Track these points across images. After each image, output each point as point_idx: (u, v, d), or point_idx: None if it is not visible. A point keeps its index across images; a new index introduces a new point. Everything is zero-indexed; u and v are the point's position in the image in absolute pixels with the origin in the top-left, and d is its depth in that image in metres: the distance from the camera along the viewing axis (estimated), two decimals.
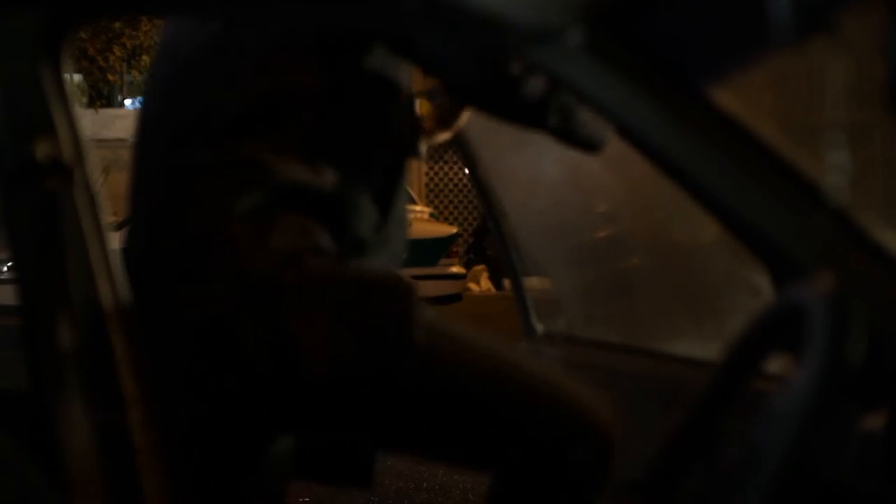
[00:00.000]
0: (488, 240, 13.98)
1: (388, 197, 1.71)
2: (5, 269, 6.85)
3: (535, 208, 2.65)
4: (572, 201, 2.60)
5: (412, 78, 1.79)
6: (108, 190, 1.76)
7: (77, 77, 15.72)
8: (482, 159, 2.61)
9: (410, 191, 14.20)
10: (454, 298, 10.54)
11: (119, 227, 2.50)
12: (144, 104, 1.75)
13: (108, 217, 1.39)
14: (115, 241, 1.41)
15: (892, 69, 1.12)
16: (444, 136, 1.97)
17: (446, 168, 17.26)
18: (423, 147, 1.90)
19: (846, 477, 1.04)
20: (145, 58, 16.06)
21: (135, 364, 1.38)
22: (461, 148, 2.61)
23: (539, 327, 2.55)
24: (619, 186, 2.48)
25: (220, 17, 1.65)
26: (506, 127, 1.77)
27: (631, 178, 2.31)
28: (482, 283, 13.50)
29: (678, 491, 1.23)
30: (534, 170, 2.63)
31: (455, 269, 10.89)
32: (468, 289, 12.63)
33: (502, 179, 2.66)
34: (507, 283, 2.81)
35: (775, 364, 1.21)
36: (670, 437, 1.25)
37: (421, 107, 1.89)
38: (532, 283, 2.63)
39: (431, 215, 13.02)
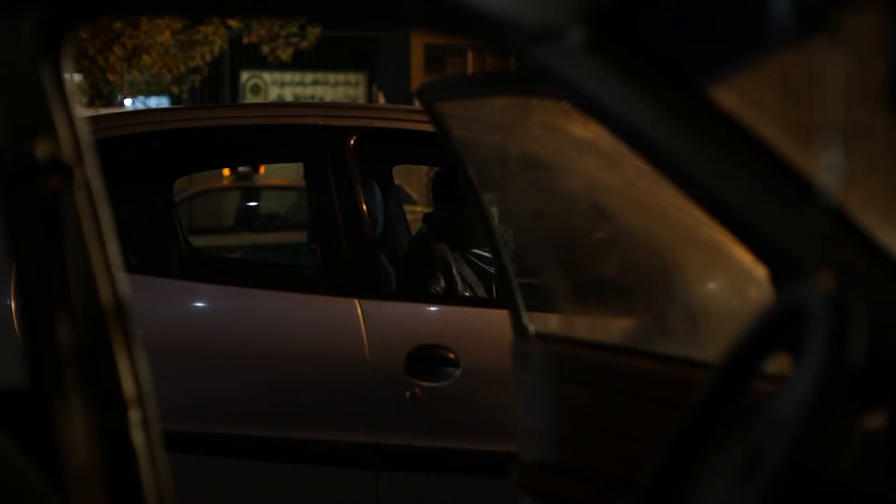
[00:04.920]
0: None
1: None
2: None
3: (527, 206, 2.65)
4: (565, 200, 2.60)
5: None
6: None
7: (77, 77, 15.71)
8: (472, 158, 2.61)
9: (410, 191, 14.21)
10: None
11: None
12: None
13: (108, 216, 1.39)
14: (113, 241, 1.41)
15: (892, 69, 1.12)
16: None
17: None
18: None
19: (846, 477, 1.04)
20: (145, 58, 16.06)
21: (135, 364, 1.38)
22: (450, 148, 2.61)
23: (531, 327, 2.55)
24: (615, 186, 2.48)
25: (219, 14, 1.65)
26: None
27: (627, 179, 2.32)
28: None
29: (677, 492, 1.23)
30: (525, 166, 2.63)
31: None
32: None
33: (494, 178, 2.66)
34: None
35: (775, 364, 1.21)
36: (669, 438, 1.25)
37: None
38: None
39: None
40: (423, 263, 3.87)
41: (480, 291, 3.91)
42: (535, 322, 2.56)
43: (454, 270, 3.84)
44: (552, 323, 2.61)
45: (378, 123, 3.78)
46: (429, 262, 3.85)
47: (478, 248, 4.02)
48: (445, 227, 4.05)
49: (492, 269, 3.99)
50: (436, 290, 3.79)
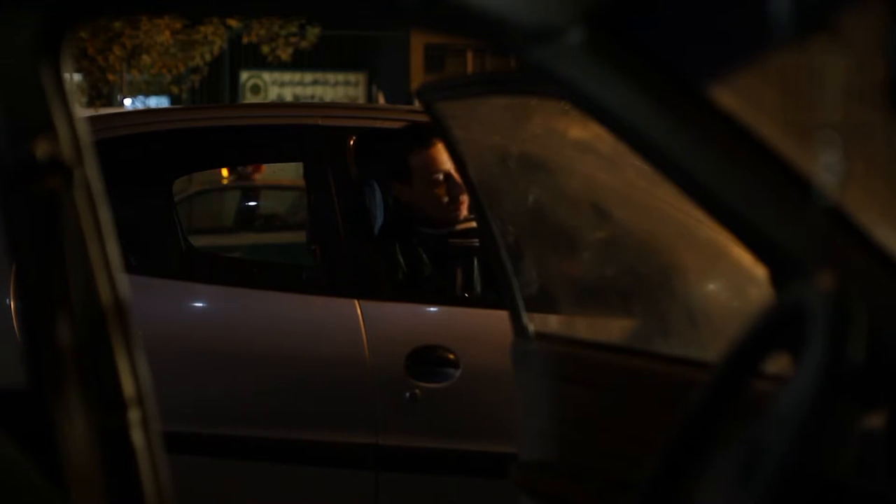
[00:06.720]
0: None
1: None
2: None
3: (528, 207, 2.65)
4: (565, 200, 2.60)
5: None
6: None
7: (77, 77, 15.71)
8: (471, 157, 2.60)
9: None
10: None
11: None
12: None
13: (108, 216, 1.39)
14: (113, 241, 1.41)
15: (892, 69, 1.12)
16: None
17: None
18: None
19: (846, 477, 1.04)
20: (145, 57, 16.07)
21: (134, 364, 1.38)
22: (450, 148, 2.61)
23: (531, 327, 2.55)
24: (615, 186, 2.48)
25: (219, 14, 1.65)
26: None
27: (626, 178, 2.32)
28: None
29: (677, 492, 1.23)
30: (525, 165, 2.63)
31: None
32: None
33: (491, 176, 2.66)
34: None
35: (775, 364, 1.21)
36: (669, 438, 1.25)
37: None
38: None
39: None
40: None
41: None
42: (534, 322, 2.56)
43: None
44: (552, 323, 2.61)
45: (378, 123, 3.78)
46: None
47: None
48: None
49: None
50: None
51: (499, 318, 2.81)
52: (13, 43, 1.36)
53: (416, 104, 2.83)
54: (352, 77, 24.36)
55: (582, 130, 2.31)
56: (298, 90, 24.04)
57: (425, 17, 1.34)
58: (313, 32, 17.58)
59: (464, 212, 3.61)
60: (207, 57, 16.84)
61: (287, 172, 11.24)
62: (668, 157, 1.25)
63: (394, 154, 3.66)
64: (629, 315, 2.56)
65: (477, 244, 3.58)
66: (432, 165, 3.57)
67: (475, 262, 3.66)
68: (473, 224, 3.55)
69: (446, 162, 3.48)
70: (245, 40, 17.52)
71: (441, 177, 3.56)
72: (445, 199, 3.58)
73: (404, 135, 3.65)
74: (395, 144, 3.66)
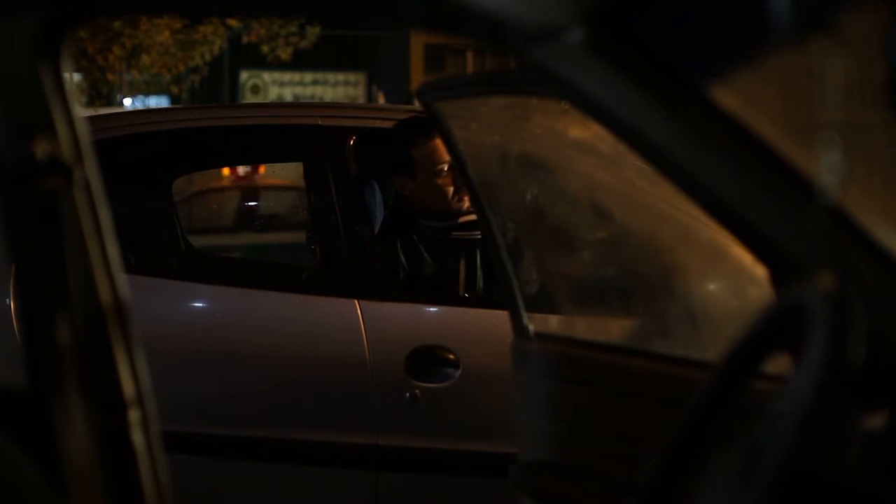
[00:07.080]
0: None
1: None
2: None
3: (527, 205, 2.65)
4: (565, 200, 2.60)
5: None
6: None
7: (77, 77, 15.72)
8: (471, 157, 2.60)
9: None
10: None
11: None
12: None
13: (108, 216, 1.39)
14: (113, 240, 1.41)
15: (892, 69, 1.12)
16: None
17: None
18: None
19: (846, 477, 1.04)
20: (145, 57, 16.06)
21: (134, 364, 1.38)
22: (450, 148, 2.61)
23: (531, 327, 2.55)
24: (615, 186, 2.48)
25: (219, 14, 1.64)
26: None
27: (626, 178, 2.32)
28: None
29: (677, 492, 1.23)
30: (525, 164, 2.63)
31: None
32: None
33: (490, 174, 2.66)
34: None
35: (775, 364, 1.21)
36: (670, 438, 1.25)
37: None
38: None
39: None
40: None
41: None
42: (534, 322, 2.56)
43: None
44: (552, 323, 2.61)
45: (378, 123, 3.77)
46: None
47: None
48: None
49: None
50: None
51: (499, 318, 2.81)
52: (13, 43, 1.36)
53: (416, 104, 2.83)
54: (352, 77, 24.35)
55: (582, 130, 2.31)
56: (298, 90, 24.03)
57: (425, 17, 1.34)
58: (313, 32, 17.57)
59: (467, 203, 3.59)
60: (207, 57, 16.83)
61: (287, 172, 11.24)
62: (668, 157, 1.25)
63: (396, 147, 3.66)
64: (629, 315, 2.56)
65: (479, 237, 3.58)
66: (436, 157, 3.56)
67: (478, 254, 3.65)
68: (475, 216, 3.54)
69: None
70: (245, 40, 17.52)
71: (445, 168, 3.55)
72: (450, 190, 3.57)
73: (406, 128, 3.64)
74: (397, 138, 3.65)
